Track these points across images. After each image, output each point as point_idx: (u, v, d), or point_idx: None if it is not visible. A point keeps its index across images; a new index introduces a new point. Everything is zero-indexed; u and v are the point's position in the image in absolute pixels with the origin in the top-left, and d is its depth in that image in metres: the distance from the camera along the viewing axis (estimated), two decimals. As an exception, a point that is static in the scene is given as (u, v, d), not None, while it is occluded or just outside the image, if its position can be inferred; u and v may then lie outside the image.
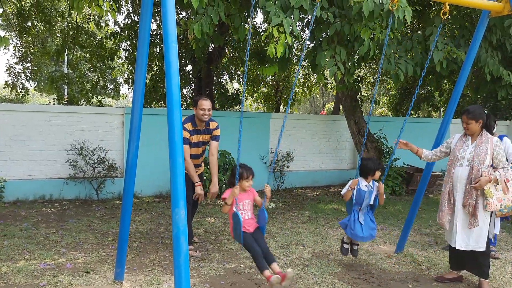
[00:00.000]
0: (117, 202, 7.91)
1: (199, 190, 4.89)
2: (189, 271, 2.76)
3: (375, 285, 4.30)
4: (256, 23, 13.06)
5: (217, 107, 14.67)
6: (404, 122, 4.84)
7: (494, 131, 4.62)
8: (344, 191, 4.55)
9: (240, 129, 3.86)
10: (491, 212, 4.24)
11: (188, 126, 4.88)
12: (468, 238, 4.20)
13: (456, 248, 4.25)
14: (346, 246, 4.77)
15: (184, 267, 2.73)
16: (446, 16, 4.24)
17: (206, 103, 4.87)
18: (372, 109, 5.06)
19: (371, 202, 4.55)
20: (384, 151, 9.90)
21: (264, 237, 3.98)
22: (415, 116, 16.85)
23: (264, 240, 3.97)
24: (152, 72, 14.18)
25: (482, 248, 4.18)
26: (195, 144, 5.00)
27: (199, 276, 4.38)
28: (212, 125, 5.10)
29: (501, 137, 5.02)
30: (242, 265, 4.74)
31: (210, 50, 12.92)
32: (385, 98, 18.43)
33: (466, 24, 7.86)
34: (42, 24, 13.25)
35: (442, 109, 17.44)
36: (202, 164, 5.37)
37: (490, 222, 4.42)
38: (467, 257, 4.32)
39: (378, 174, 4.61)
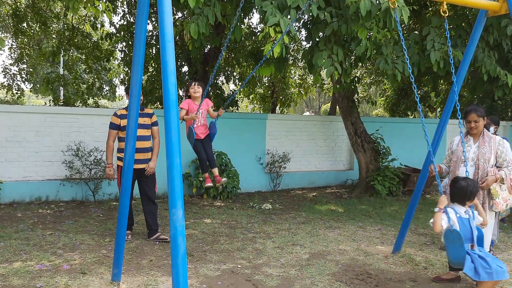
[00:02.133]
0: (114, 203, 7.88)
1: (107, 170, 5.69)
2: (186, 272, 2.74)
3: (372, 285, 4.30)
4: (252, 23, 13.05)
5: (213, 109, 14.63)
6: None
7: (493, 132, 4.64)
8: (433, 219, 3.62)
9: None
10: (496, 213, 4.26)
11: (120, 112, 5.61)
12: None
13: None
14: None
15: (182, 268, 2.71)
16: (446, 15, 4.25)
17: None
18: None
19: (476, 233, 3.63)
20: (380, 152, 9.91)
21: (211, 145, 4.97)
22: (412, 117, 16.88)
23: (211, 147, 4.99)
24: (148, 73, 14.14)
25: (486, 249, 4.19)
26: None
27: (196, 276, 4.36)
28: (149, 110, 5.78)
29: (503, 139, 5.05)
30: (239, 266, 4.72)
31: (206, 51, 12.90)
32: (382, 98, 18.46)
33: (463, 24, 7.89)
34: (38, 25, 13.19)
35: (439, 109, 17.48)
36: (151, 155, 5.74)
37: (494, 224, 4.44)
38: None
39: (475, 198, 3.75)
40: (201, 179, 8.46)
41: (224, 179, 5.12)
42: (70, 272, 4.30)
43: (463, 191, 3.66)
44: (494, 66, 7.23)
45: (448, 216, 3.56)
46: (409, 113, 16.69)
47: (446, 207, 3.64)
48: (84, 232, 5.89)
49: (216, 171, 5.11)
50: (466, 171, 4.05)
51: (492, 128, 5.47)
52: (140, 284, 4.10)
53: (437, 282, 4.46)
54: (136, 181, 5.62)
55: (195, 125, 4.79)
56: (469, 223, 3.58)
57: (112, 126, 5.58)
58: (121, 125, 5.51)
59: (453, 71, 4.26)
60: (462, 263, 3.45)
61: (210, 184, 5.08)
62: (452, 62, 4.26)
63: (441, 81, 12.61)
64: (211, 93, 14.38)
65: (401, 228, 5.29)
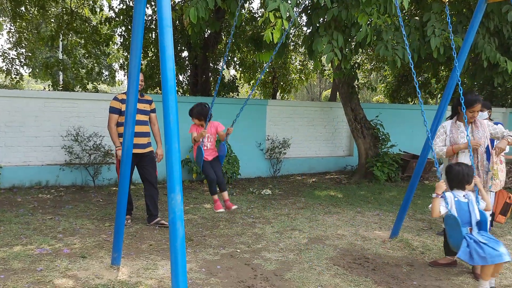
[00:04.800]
0: (113, 188, 7.92)
1: (119, 153, 5.35)
2: (185, 256, 2.77)
3: (370, 270, 4.35)
4: (253, 8, 12.94)
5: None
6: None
7: (487, 117, 4.76)
8: (432, 204, 3.67)
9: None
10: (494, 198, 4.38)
11: (121, 96, 5.51)
12: None
13: None
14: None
15: (181, 252, 2.74)
16: (447, 0, 4.22)
17: (139, 76, 5.28)
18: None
19: (478, 217, 3.61)
20: (380, 138, 9.92)
21: (221, 167, 4.91)
22: (412, 103, 16.84)
23: (221, 169, 4.92)
24: (148, 58, 14.06)
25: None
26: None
27: (195, 261, 4.41)
28: (148, 97, 5.78)
29: (496, 124, 5.07)
30: (238, 250, 4.77)
31: (206, 36, 12.81)
32: (382, 85, 18.39)
33: (464, 10, 7.82)
34: (36, 9, 13.07)
35: (439, 96, 17.43)
36: (150, 143, 5.72)
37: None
38: None
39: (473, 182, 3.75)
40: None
41: (234, 206, 4.96)
42: (70, 256, 4.35)
43: (460, 175, 3.68)
44: (494, 53, 7.19)
45: (446, 201, 3.58)
46: (409, 100, 16.65)
47: (445, 192, 3.65)
48: (84, 216, 5.93)
49: (226, 194, 4.95)
50: (470, 155, 4.05)
51: (486, 113, 5.48)
52: (139, 268, 4.15)
53: (433, 266, 4.51)
54: (136, 167, 5.61)
55: (204, 147, 4.76)
56: (468, 206, 3.60)
57: (113, 110, 5.48)
58: (122, 109, 5.42)
59: (455, 55, 4.24)
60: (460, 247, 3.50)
61: (221, 209, 4.88)
62: (453, 47, 4.24)
63: (442, 68, 12.54)
64: (211, 79, 14.34)
65: (399, 214, 5.33)
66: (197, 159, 4.70)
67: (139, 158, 5.53)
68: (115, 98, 5.54)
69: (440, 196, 3.59)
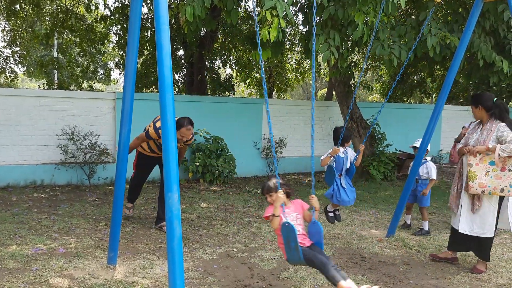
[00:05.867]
0: (109, 187, 7.88)
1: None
2: (182, 255, 2.76)
3: (366, 269, 4.35)
4: (249, 7, 12.91)
5: (210, 93, 14.57)
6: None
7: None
8: (323, 157, 4.64)
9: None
10: (499, 200, 4.26)
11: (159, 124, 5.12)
12: (472, 223, 4.31)
13: (459, 231, 4.36)
14: (331, 214, 4.95)
15: (178, 251, 2.73)
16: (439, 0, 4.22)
17: (188, 133, 5.21)
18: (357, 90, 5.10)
19: (348, 167, 4.70)
20: (376, 137, 9.94)
21: (322, 250, 3.36)
22: (407, 102, 16.89)
23: (322, 252, 3.34)
24: (144, 57, 14.01)
25: (488, 235, 4.27)
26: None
27: (192, 260, 4.39)
28: (189, 141, 5.53)
29: None
30: (235, 250, 4.76)
31: (202, 34, 12.78)
32: (378, 84, 18.42)
33: (460, 9, 7.84)
34: (31, 7, 12.98)
35: (434, 95, 17.50)
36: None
37: (503, 210, 4.47)
38: (470, 240, 4.39)
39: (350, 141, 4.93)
40: (197, 163, 8.47)
41: None
42: (65, 256, 4.32)
43: (337, 135, 4.65)
44: (490, 52, 7.21)
45: (333, 158, 4.60)
46: (404, 99, 16.68)
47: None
48: (79, 216, 5.90)
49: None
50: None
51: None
52: (136, 267, 4.13)
53: (433, 259, 4.58)
54: (158, 166, 5.49)
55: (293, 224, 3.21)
56: (342, 160, 4.60)
57: (148, 135, 5.18)
58: (158, 141, 5.24)
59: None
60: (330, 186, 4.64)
61: None
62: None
63: (437, 67, 12.58)
64: (206, 78, 14.30)
65: (395, 213, 5.34)
66: (287, 245, 3.20)
67: (159, 160, 5.36)
68: (156, 129, 5.06)
69: (330, 156, 4.58)
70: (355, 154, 4.76)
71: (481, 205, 4.24)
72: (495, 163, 4.08)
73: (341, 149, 4.65)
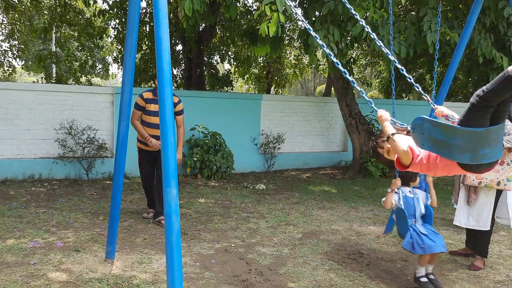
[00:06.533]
0: (107, 182, 7.87)
1: (153, 141, 5.25)
2: (180, 250, 2.76)
3: (364, 265, 4.36)
4: (248, 1, 12.88)
5: (208, 88, 14.54)
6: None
7: None
8: (383, 199, 4.04)
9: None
10: (497, 194, 4.30)
11: (146, 94, 5.37)
12: (468, 216, 4.39)
13: (455, 223, 4.51)
14: (424, 279, 3.87)
15: (176, 246, 2.73)
16: None
17: None
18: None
19: (423, 211, 3.97)
20: (374, 134, 9.93)
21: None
22: (406, 99, 16.88)
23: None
24: (142, 52, 13.97)
25: (483, 228, 4.31)
26: (154, 113, 5.31)
27: (190, 255, 4.39)
28: (174, 98, 5.35)
29: None
30: (233, 245, 4.76)
31: (200, 29, 12.74)
32: (377, 80, 18.41)
33: (460, 5, 7.82)
34: (29, 0, 12.93)
35: (433, 92, 17.49)
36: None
37: (501, 206, 4.50)
38: (468, 234, 4.55)
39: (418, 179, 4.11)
40: (195, 158, 8.46)
41: None
42: (64, 250, 4.32)
43: (406, 175, 3.99)
44: (490, 49, 7.21)
45: (399, 196, 3.98)
46: (403, 95, 16.67)
47: (399, 188, 4.00)
48: (77, 210, 5.89)
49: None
50: None
51: None
52: (134, 261, 4.13)
53: (453, 255, 4.70)
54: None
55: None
56: (413, 201, 3.95)
57: (136, 106, 5.33)
58: (146, 108, 5.31)
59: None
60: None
61: None
62: (440, 42, 4.23)
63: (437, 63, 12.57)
64: (205, 73, 14.27)
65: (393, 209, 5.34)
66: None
67: (158, 152, 5.30)
68: (141, 96, 5.37)
69: (393, 191, 3.95)
70: (425, 193, 4.06)
71: (477, 198, 4.32)
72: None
73: (407, 188, 4.00)
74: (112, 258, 4.13)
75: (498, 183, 4.16)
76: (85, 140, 7.92)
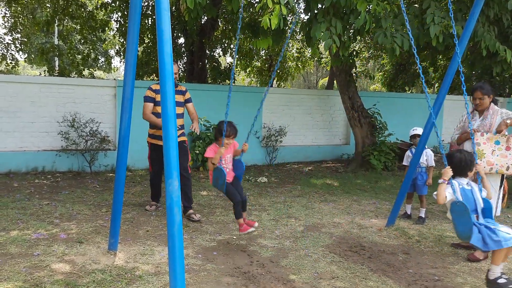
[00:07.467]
0: (110, 174, 7.90)
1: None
2: (182, 241, 2.77)
3: (366, 257, 4.37)
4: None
5: (210, 81, 14.53)
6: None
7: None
8: (436, 192, 3.56)
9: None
10: (500, 187, 4.36)
11: (155, 86, 5.39)
12: None
13: None
14: (502, 280, 3.45)
15: (178, 238, 2.74)
16: None
17: (173, 67, 5.08)
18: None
19: (482, 204, 3.58)
20: (377, 127, 9.92)
21: (241, 185, 4.60)
22: (409, 92, 16.83)
23: (242, 189, 4.58)
24: (144, 45, 13.95)
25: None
26: None
27: (192, 247, 4.42)
28: (182, 87, 5.60)
29: None
30: (234, 237, 4.79)
31: (202, 22, 12.70)
32: (380, 73, 18.35)
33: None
34: (31, -7, 12.92)
35: (436, 85, 17.43)
36: (184, 133, 5.58)
37: (499, 198, 4.53)
38: None
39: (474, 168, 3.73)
40: (197, 151, 8.48)
41: (256, 223, 4.46)
42: (67, 241, 4.35)
43: (462, 163, 3.62)
44: (493, 41, 7.16)
45: (453, 188, 3.51)
46: (406, 88, 16.63)
47: (451, 179, 3.56)
48: (80, 202, 5.92)
49: (245, 214, 4.54)
50: (473, 143, 4.06)
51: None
52: (136, 253, 4.16)
53: (456, 247, 4.68)
54: None
55: (225, 170, 4.28)
56: (472, 194, 3.55)
57: (147, 99, 5.36)
58: (156, 99, 5.31)
59: (456, 39, 4.24)
60: (470, 235, 3.39)
61: (251, 229, 4.39)
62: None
63: (440, 56, 12.51)
64: (207, 66, 14.25)
65: (395, 202, 5.35)
66: (218, 182, 4.26)
67: None
68: (150, 88, 5.41)
69: (446, 183, 3.50)
70: (479, 185, 3.66)
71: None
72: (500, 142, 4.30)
73: (464, 180, 3.64)
74: (115, 249, 4.16)
75: (508, 168, 4.29)
76: (88, 133, 7.94)
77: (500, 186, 4.47)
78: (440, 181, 3.54)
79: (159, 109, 5.30)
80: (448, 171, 3.52)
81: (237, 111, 9.51)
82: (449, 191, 3.49)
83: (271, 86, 17.64)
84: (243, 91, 10.24)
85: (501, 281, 3.42)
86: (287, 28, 7.16)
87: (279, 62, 5.38)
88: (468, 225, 3.37)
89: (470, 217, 3.35)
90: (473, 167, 3.68)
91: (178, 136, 5.41)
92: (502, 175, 4.48)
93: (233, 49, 15.79)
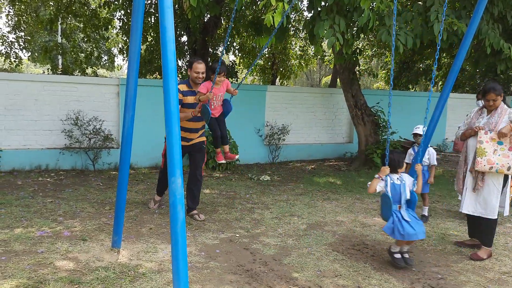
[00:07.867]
0: (114, 172, 7.92)
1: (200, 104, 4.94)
2: (185, 239, 2.77)
3: (368, 256, 4.37)
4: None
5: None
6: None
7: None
8: (369, 183, 4.13)
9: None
10: (503, 183, 4.34)
11: (182, 87, 5.13)
12: (475, 203, 4.42)
13: (463, 211, 4.51)
14: (397, 255, 4.09)
15: (181, 235, 2.74)
16: None
17: (200, 66, 5.17)
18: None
19: (408, 197, 4.07)
20: (380, 125, 9.90)
21: (225, 123, 5.13)
22: (412, 90, 16.78)
23: (225, 125, 5.13)
24: (147, 43, 13.96)
25: (490, 216, 4.33)
26: (190, 106, 5.10)
27: (195, 244, 4.43)
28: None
29: None
30: (237, 235, 4.79)
31: (205, 20, 12.69)
32: (383, 71, 18.30)
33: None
34: (35, -9, 12.95)
35: (440, 83, 17.37)
36: (204, 133, 5.47)
37: (502, 193, 4.52)
38: (474, 223, 4.56)
39: (405, 165, 4.22)
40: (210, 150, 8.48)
41: (236, 156, 5.33)
42: (70, 239, 4.37)
43: (392, 162, 4.09)
44: (498, 39, 7.12)
45: (385, 183, 4.05)
46: (410, 87, 16.58)
47: (388, 175, 4.07)
48: (84, 200, 5.94)
49: (227, 148, 5.25)
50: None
51: (480, 102, 5.52)
52: (139, 251, 4.17)
53: (459, 245, 4.72)
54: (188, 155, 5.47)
55: (212, 106, 4.90)
56: (399, 188, 4.03)
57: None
58: (184, 101, 5.10)
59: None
60: (387, 220, 4.01)
61: (222, 160, 5.21)
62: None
63: (444, 54, 12.46)
64: (210, 64, 14.23)
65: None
66: (202, 115, 4.84)
67: (190, 147, 5.32)
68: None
69: (380, 178, 4.04)
70: (413, 180, 4.13)
71: (484, 186, 4.34)
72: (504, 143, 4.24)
73: (395, 175, 4.08)
74: (118, 247, 4.17)
75: (509, 168, 4.22)
76: (91, 131, 7.96)
77: (504, 186, 4.43)
78: (376, 176, 4.08)
79: (183, 110, 5.10)
80: (385, 170, 4.04)
81: (239, 108, 9.52)
82: (380, 185, 4.06)
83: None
84: (246, 89, 10.23)
85: (396, 255, 4.07)
86: (289, 26, 7.14)
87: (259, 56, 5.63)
88: (388, 213, 3.99)
89: (391, 208, 3.98)
90: (402, 165, 4.12)
91: (197, 138, 5.37)
92: (506, 176, 4.44)
93: (236, 47, 15.79)
